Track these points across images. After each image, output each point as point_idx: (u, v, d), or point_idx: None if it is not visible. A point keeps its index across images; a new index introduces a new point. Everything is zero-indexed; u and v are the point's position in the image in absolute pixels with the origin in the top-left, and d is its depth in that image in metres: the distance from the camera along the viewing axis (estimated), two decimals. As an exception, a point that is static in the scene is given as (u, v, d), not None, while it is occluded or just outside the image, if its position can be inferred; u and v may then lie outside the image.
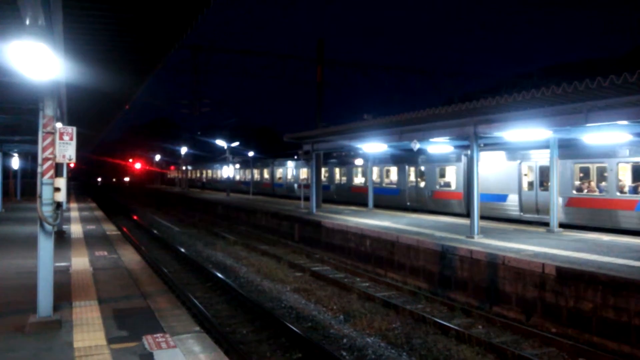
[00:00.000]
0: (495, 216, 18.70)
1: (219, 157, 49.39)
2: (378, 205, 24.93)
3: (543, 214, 16.98)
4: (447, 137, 15.99)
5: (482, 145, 18.19)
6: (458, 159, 21.15)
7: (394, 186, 25.64)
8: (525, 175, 18.33)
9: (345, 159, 30.69)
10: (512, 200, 18.44)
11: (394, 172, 26.46)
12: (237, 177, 47.91)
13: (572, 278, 9.73)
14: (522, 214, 18.05)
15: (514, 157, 18.57)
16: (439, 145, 18.77)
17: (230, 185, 43.28)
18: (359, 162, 28.99)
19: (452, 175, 21.85)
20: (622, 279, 8.93)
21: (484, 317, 10.76)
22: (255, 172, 43.89)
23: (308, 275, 15.46)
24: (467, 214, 19.23)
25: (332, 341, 9.60)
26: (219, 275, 14.72)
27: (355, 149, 24.44)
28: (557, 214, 15.29)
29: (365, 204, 24.74)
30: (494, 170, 19.06)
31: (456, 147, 19.89)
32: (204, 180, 59.19)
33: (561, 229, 15.29)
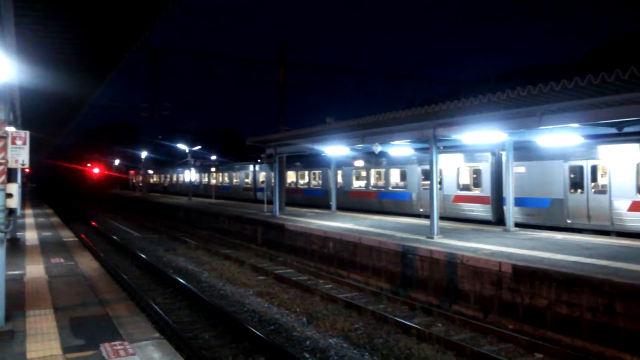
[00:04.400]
0: (535, 224, 16.74)
1: (181, 160, 48.60)
2: (388, 212, 22.93)
3: (595, 220, 15.24)
4: (408, 140, 16.23)
5: (441, 147, 18.39)
6: (485, 158, 18.89)
7: (403, 190, 23.00)
8: (572, 176, 16.15)
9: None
10: (556, 205, 16.35)
11: (397, 174, 24.10)
12: (213, 182, 44.78)
13: (527, 276, 10.03)
14: (568, 220, 16.00)
15: (557, 156, 16.28)
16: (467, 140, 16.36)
17: (196, 189, 42.18)
18: (359, 163, 25.87)
19: (478, 177, 19.51)
20: (574, 275, 9.26)
21: (443, 316, 10.97)
22: (234, 175, 40.92)
23: (271, 278, 15.43)
24: (497, 222, 18.05)
25: (295, 343, 9.61)
26: (180, 280, 14.52)
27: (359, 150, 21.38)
28: (512, 213, 15.73)
29: (371, 211, 23.78)
30: (532, 171, 17.05)
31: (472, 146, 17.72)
32: (166, 184, 58.12)
33: (517, 228, 15.73)
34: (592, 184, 15.57)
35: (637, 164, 14.26)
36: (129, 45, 8.54)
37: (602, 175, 15.45)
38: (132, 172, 72.37)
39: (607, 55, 54.66)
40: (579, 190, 15.87)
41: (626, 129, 13.31)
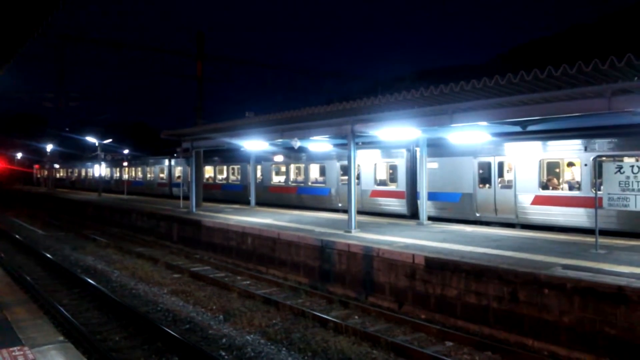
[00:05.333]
0: (447, 217, 17.31)
1: (91, 154, 46.14)
2: (308, 207, 22.71)
3: (502, 214, 16.09)
4: (327, 136, 16.36)
5: (359, 143, 18.72)
6: (400, 154, 19.35)
7: (322, 185, 22.95)
8: (481, 172, 16.86)
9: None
10: (466, 199, 17.05)
11: (317, 170, 24.04)
12: (125, 177, 42.49)
13: (438, 267, 10.42)
14: (477, 214, 16.73)
15: (468, 152, 16.94)
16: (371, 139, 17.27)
17: (107, 184, 40.04)
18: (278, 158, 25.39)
19: (394, 172, 19.93)
20: (482, 266, 9.73)
21: (360, 308, 11.17)
22: (148, 170, 39.07)
23: (187, 276, 15.00)
24: (412, 215, 18.38)
25: (211, 342, 9.38)
26: (89, 280, 13.76)
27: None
28: (425, 207, 16.31)
29: (291, 207, 23.45)
30: (444, 167, 17.65)
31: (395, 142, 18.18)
32: (74, 179, 54.94)
33: (430, 222, 16.33)
34: (499, 179, 16.42)
35: (540, 161, 15.25)
36: (27, 31, 7.88)
37: (508, 171, 16.35)
38: (36, 166, 67.82)
39: (516, 57, 58.32)
40: (487, 185, 16.67)
41: (530, 128, 14.18)
